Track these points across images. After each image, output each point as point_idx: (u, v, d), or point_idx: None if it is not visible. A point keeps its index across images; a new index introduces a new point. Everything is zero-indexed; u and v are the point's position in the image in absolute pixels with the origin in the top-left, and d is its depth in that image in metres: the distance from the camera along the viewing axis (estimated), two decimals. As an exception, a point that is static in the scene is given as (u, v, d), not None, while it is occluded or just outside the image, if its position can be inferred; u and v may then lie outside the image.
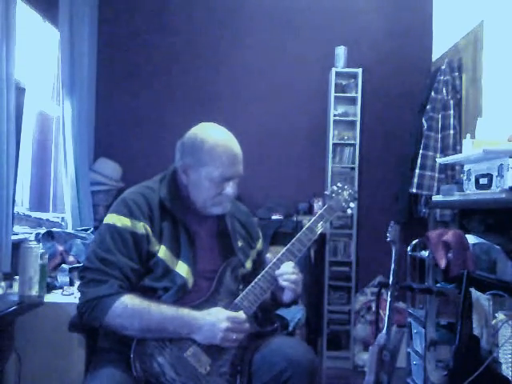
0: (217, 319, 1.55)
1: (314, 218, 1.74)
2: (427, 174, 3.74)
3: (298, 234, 1.71)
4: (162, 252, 1.63)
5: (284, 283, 1.64)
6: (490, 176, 2.48)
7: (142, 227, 1.62)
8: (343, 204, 1.80)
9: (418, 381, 3.00)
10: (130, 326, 1.53)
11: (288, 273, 1.65)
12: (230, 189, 1.67)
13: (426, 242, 2.86)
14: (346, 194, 1.81)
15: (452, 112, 3.70)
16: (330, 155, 4.30)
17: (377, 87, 4.43)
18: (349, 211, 1.82)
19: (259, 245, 1.87)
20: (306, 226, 1.72)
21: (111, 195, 4.08)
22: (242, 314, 1.59)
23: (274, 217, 4.14)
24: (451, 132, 3.69)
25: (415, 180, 3.75)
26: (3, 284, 2.43)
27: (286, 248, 1.69)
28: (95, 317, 1.54)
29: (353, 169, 4.32)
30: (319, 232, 1.72)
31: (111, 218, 1.64)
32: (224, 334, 1.54)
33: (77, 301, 1.60)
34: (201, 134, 1.69)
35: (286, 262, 1.67)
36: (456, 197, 2.85)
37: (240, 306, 1.62)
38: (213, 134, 1.68)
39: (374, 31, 4.47)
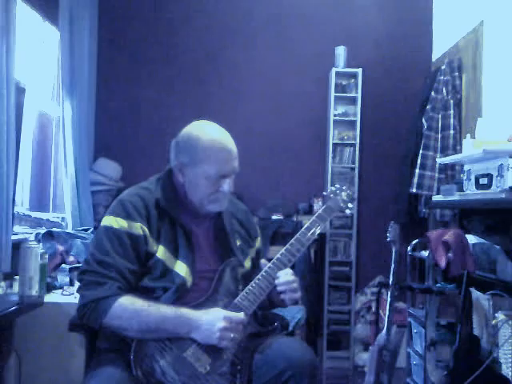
0: (214, 318, 1.55)
1: (312, 218, 1.74)
2: (427, 174, 3.74)
3: (297, 235, 1.72)
4: (161, 252, 1.63)
5: (283, 296, 1.66)
6: (490, 176, 2.48)
7: (139, 228, 1.62)
8: (341, 204, 1.82)
9: (418, 381, 3.00)
10: (129, 326, 1.53)
11: (285, 283, 1.65)
12: (226, 186, 1.67)
13: (426, 242, 2.86)
14: (344, 194, 1.83)
15: (452, 112, 3.69)
16: (330, 155, 4.30)
17: (377, 87, 4.43)
18: (347, 211, 1.83)
19: (258, 243, 1.87)
20: (305, 226, 1.73)
21: (111, 195, 4.08)
22: (239, 314, 1.59)
23: (274, 217, 4.14)
24: (451, 132, 3.68)
25: (415, 180, 3.75)
26: (3, 284, 2.44)
27: (284, 248, 1.70)
28: (94, 319, 1.54)
29: (353, 169, 4.32)
30: (318, 232, 1.73)
31: (108, 220, 1.64)
32: (221, 333, 1.54)
33: (77, 301, 1.60)
34: (195, 132, 1.68)
35: (285, 261, 1.67)
36: (456, 197, 2.85)
37: (240, 305, 1.62)
38: (207, 132, 1.68)
39: (374, 31, 4.47)
